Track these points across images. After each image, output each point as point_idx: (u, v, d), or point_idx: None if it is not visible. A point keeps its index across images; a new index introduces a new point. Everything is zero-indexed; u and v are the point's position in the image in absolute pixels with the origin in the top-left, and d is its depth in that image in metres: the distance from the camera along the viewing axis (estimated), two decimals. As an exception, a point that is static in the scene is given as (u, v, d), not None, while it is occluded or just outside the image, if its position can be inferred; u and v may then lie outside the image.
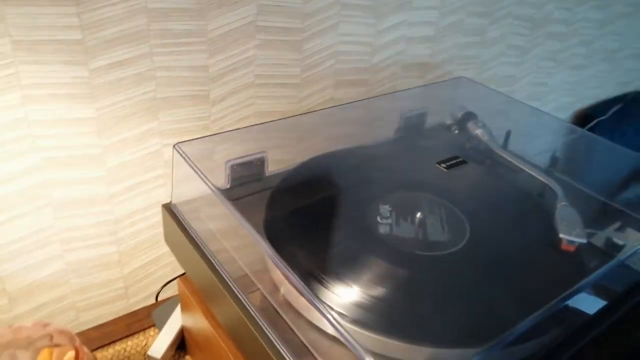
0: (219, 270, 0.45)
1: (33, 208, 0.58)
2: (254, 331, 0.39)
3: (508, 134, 0.65)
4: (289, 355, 0.37)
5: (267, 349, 0.38)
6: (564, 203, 0.51)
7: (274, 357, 0.37)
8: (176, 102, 0.62)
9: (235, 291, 0.43)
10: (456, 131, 0.66)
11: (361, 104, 0.68)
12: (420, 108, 0.70)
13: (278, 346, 0.38)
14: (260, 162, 0.59)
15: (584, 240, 0.46)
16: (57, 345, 0.47)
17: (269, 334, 0.39)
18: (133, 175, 0.63)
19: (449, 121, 0.67)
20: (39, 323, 0.48)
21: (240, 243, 0.47)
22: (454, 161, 0.55)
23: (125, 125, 0.60)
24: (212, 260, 0.46)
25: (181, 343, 0.63)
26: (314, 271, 0.42)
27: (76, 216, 0.61)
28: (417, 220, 0.48)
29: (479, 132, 0.64)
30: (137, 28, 0.56)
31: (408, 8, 0.78)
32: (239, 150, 0.57)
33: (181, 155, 0.50)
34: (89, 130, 0.58)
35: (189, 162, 0.50)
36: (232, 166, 0.57)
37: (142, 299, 0.72)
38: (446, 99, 0.73)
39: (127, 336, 0.65)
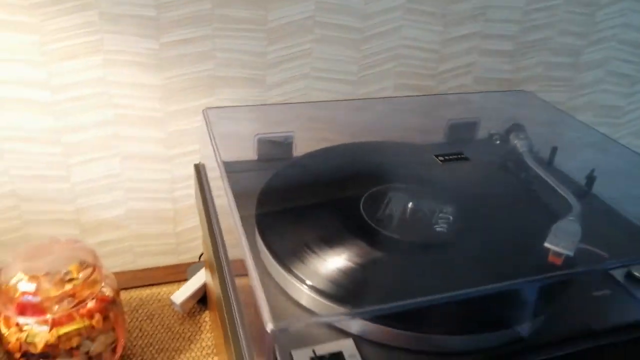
0: (216, 236, 0.50)
1: (105, 155, 0.70)
2: (223, 305, 0.42)
3: (554, 150, 0.62)
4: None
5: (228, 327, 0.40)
6: (571, 218, 0.47)
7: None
8: (233, 82, 0.70)
9: (224, 267, 0.46)
10: (497, 141, 0.64)
11: (411, 100, 0.69)
12: (472, 116, 0.69)
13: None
14: (289, 141, 0.63)
15: (570, 253, 0.43)
16: (83, 262, 0.56)
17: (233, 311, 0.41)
18: (190, 142, 0.72)
19: (492, 130, 0.65)
20: (72, 240, 0.57)
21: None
22: (455, 156, 0.54)
23: (185, 97, 0.69)
24: (213, 225, 0.51)
25: (204, 299, 0.70)
26: (294, 245, 0.44)
27: (139, 169, 0.72)
28: (395, 208, 0.48)
29: (518, 143, 0.61)
30: (202, 12, 0.64)
31: (482, 19, 0.77)
32: (272, 125, 0.62)
33: (205, 120, 0.57)
34: (154, 96, 0.68)
35: (209, 128, 0.56)
36: (260, 140, 0.62)
37: (189, 257, 0.81)
38: (503, 109, 0.70)
39: (163, 283, 0.73)
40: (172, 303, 0.68)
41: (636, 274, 0.46)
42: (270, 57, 0.70)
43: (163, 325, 0.67)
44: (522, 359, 0.39)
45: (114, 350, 0.58)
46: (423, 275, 0.42)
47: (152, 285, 0.73)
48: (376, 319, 0.38)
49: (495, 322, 0.40)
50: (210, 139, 0.54)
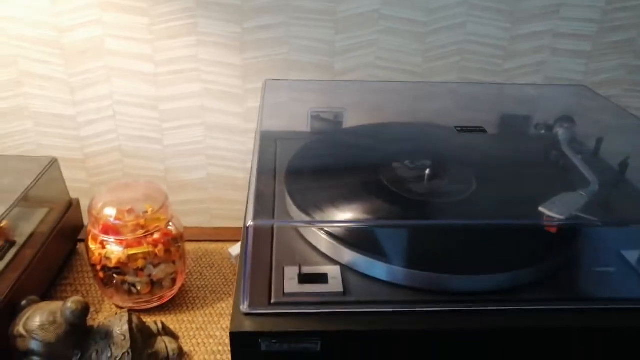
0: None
1: (192, 124, 0.82)
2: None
3: (599, 141, 0.61)
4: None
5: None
6: (582, 193, 0.48)
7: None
8: (304, 67, 0.78)
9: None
10: (542, 130, 0.65)
11: (467, 87, 0.71)
12: (525, 108, 0.70)
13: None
14: (340, 117, 0.70)
15: (561, 217, 0.43)
16: (155, 201, 0.67)
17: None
18: (263, 118, 0.82)
19: (540, 121, 0.66)
20: (149, 182, 0.69)
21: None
22: (472, 128, 0.56)
23: (262, 77, 0.78)
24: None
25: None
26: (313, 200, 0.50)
27: (219, 139, 0.83)
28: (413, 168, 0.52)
29: (560, 131, 0.61)
30: (280, 2, 0.74)
31: (555, 17, 0.77)
32: (327, 100, 0.69)
33: (262, 89, 0.65)
34: (235, 74, 0.78)
35: (263, 98, 0.64)
36: (313, 114, 0.69)
37: (256, 224, 0.90)
38: (559, 103, 0.70)
39: (228, 241, 0.83)
40: (229, 255, 0.77)
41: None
42: (338, 45, 0.77)
43: (219, 274, 0.76)
44: (495, 306, 0.41)
45: (173, 281, 0.68)
46: (417, 217, 0.46)
47: (218, 241, 0.83)
48: (361, 250, 0.43)
49: (477, 266, 0.42)
50: (260, 107, 0.63)
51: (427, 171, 0.52)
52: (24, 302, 0.57)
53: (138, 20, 0.74)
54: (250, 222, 0.38)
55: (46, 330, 0.53)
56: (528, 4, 0.76)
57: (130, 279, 0.64)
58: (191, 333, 0.64)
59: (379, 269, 0.42)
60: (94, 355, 0.54)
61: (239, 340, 0.38)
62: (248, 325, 0.38)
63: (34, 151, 0.83)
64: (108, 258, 0.64)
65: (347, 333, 0.38)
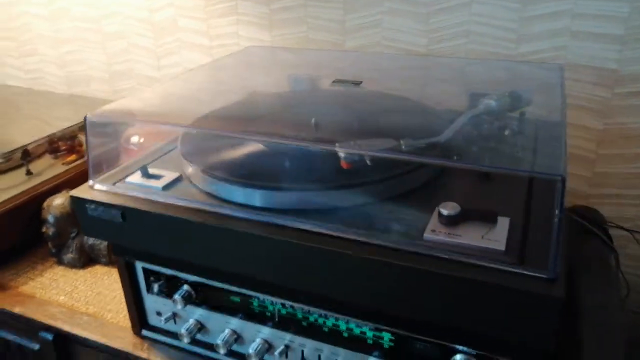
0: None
1: (235, 91, 0.97)
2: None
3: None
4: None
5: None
6: (403, 142, 0.47)
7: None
8: (320, 45, 0.87)
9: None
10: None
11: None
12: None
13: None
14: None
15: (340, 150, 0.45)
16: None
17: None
18: (287, 90, 0.92)
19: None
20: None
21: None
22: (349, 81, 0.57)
23: (285, 52, 0.89)
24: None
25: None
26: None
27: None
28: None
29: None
30: (297, -15, 0.84)
31: (572, -4, 0.69)
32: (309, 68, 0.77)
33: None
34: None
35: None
36: (291, 78, 0.78)
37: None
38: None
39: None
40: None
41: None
42: (347, 25, 0.83)
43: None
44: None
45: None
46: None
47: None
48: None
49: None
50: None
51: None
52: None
53: (197, 3, 0.93)
54: (90, 116, 0.51)
55: (58, 209, 0.74)
56: (539, -19, 0.70)
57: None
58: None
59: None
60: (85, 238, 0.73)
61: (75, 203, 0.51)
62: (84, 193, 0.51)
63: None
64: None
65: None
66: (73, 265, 0.73)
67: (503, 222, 0.41)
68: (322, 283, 0.43)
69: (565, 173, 0.34)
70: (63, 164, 0.83)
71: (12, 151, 0.80)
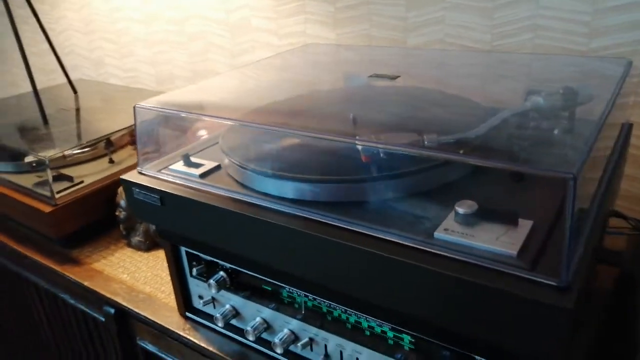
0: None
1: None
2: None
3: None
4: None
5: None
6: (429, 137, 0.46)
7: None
8: (383, 42, 0.86)
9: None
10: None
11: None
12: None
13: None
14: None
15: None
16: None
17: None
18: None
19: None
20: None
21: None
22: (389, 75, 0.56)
23: (349, 50, 0.90)
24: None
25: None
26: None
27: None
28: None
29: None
30: (360, -17, 0.84)
31: (654, -16, 0.63)
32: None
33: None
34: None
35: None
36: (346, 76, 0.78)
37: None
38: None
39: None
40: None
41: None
42: (409, 22, 0.82)
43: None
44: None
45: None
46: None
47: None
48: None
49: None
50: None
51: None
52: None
53: (268, 3, 0.97)
54: (138, 104, 0.56)
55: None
56: (615, -31, 0.64)
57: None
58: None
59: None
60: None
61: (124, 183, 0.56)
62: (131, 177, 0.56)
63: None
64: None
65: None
66: (139, 247, 0.79)
67: (524, 225, 0.39)
68: (341, 278, 0.43)
69: (580, 172, 0.32)
70: (139, 154, 0.91)
71: (96, 140, 0.89)
